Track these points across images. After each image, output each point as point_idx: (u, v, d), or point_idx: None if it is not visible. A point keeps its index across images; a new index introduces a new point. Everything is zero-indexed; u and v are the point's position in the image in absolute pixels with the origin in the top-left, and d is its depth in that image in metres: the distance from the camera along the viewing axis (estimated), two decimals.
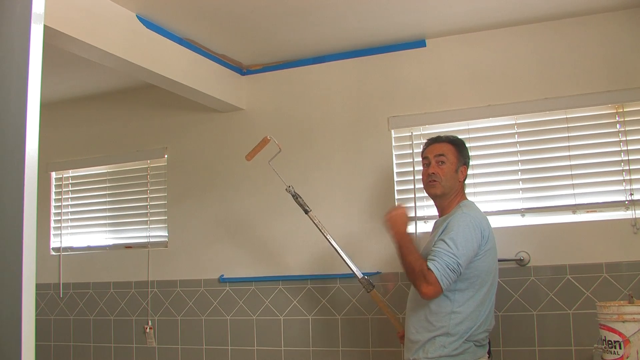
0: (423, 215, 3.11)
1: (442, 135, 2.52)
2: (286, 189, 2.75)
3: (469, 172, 2.98)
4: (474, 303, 2.20)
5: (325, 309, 3.24)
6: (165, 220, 3.73)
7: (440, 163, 2.38)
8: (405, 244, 2.25)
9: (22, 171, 0.92)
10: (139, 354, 3.66)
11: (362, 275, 2.62)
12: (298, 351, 3.27)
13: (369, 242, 3.16)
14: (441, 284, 2.11)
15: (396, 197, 3.17)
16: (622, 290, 2.68)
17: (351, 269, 2.64)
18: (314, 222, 2.71)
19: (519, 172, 3.00)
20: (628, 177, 2.81)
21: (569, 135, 2.92)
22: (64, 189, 4.08)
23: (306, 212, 2.73)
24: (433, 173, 2.37)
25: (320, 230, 2.69)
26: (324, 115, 3.28)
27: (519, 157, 3.00)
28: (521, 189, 3.00)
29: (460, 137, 3.01)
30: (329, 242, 2.67)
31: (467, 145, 3.00)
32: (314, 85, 3.40)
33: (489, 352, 2.33)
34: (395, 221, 2.31)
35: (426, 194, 2.53)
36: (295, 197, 2.74)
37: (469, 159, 2.49)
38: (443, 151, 2.39)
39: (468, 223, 2.20)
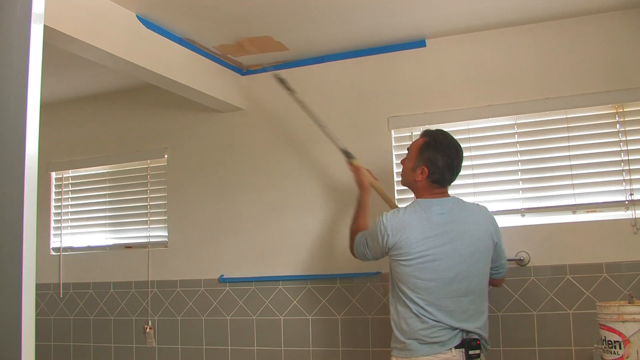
0: None
1: (429, 130, 2.47)
2: (273, 74, 3.07)
3: (470, 172, 3.03)
4: (401, 303, 2.28)
5: (325, 309, 3.24)
6: (165, 220, 3.72)
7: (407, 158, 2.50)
8: (364, 204, 2.69)
9: (22, 171, 0.92)
10: (139, 354, 3.66)
11: (343, 147, 2.88)
12: (298, 351, 3.27)
13: None
14: (355, 250, 2.53)
15: (396, 196, 3.17)
16: (622, 290, 2.68)
17: (332, 139, 2.93)
18: (300, 103, 3.00)
19: (519, 172, 3.00)
20: (628, 177, 2.80)
21: (569, 135, 2.92)
22: (64, 189, 4.08)
23: (292, 93, 3.03)
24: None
25: (306, 109, 2.99)
26: (324, 115, 3.27)
27: (519, 157, 3.00)
28: (521, 189, 3.00)
29: (459, 136, 3.05)
30: (313, 119, 2.98)
31: (467, 145, 3.04)
32: (314, 85, 3.40)
33: (468, 354, 2.18)
34: (363, 172, 2.76)
35: None
36: (283, 82, 3.02)
37: (432, 161, 2.32)
38: (410, 147, 2.47)
39: (376, 219, 2.35)
